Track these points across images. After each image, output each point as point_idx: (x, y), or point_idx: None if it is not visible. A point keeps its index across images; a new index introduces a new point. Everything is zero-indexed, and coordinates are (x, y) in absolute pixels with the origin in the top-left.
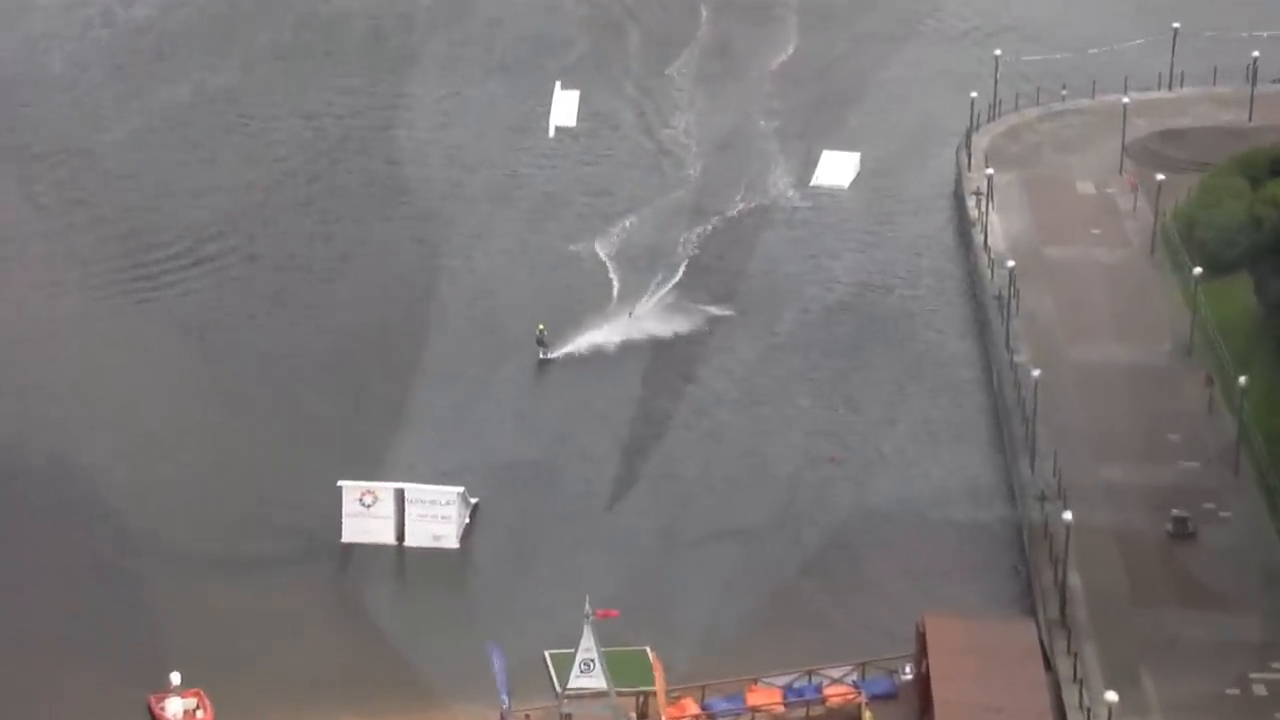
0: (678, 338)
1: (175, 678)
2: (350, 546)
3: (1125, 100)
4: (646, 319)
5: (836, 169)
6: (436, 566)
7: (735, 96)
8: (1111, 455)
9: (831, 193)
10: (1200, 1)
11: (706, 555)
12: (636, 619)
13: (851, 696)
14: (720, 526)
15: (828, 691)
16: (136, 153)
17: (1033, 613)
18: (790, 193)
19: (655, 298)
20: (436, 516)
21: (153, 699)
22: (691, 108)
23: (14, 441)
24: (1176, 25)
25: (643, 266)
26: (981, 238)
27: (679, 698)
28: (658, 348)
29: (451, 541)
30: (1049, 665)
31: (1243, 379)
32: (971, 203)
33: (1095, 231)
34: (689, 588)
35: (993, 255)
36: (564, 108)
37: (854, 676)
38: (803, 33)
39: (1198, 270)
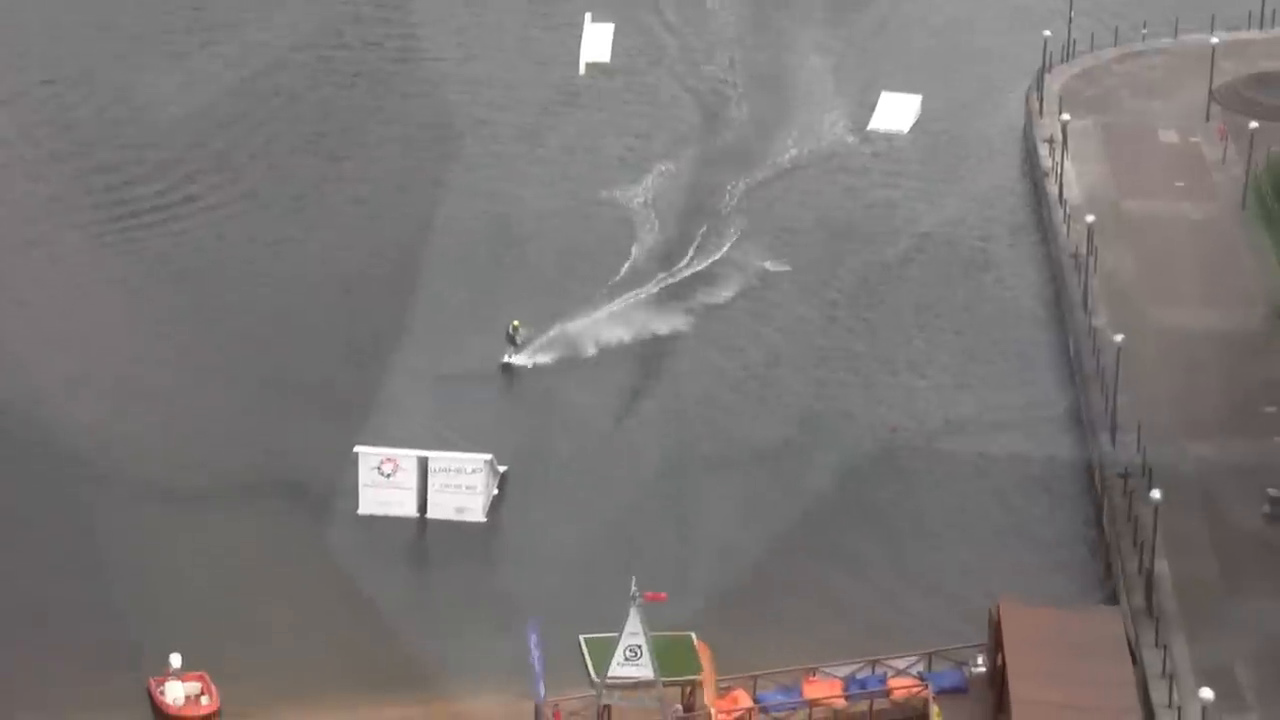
0: (725, 296)
1: (175, 660)
2: (368, 519)
3: (1213, 40)
4: (690, 276)
5: (896, 112)
6: (461, 542)
7: (784, 30)
8: (1201, 429)
9: (890, 138)
10: None
11: (758, 529)
12: (680, 601)
13: (917, 690)
14: (772, 497)
15: (891, 683)
16: (130, 75)
17: (1116, 602)
18: (847, 138)
19: (699, 252)
20: (461, 487)
21: (152, 683)
22: (737, 43)
23: None
24: None
25: (684, 217)
26: (1055, 189)
27: (729, 689)
28: (705, 308)
29: (478, 514)
30: (1135, 659)
31: None
32: (1044, 151)
33: (1180, 184)
34: (738, 565)
35: (1068, 209)
36: (596, 41)
37: (920, 667)
38: None
39: None
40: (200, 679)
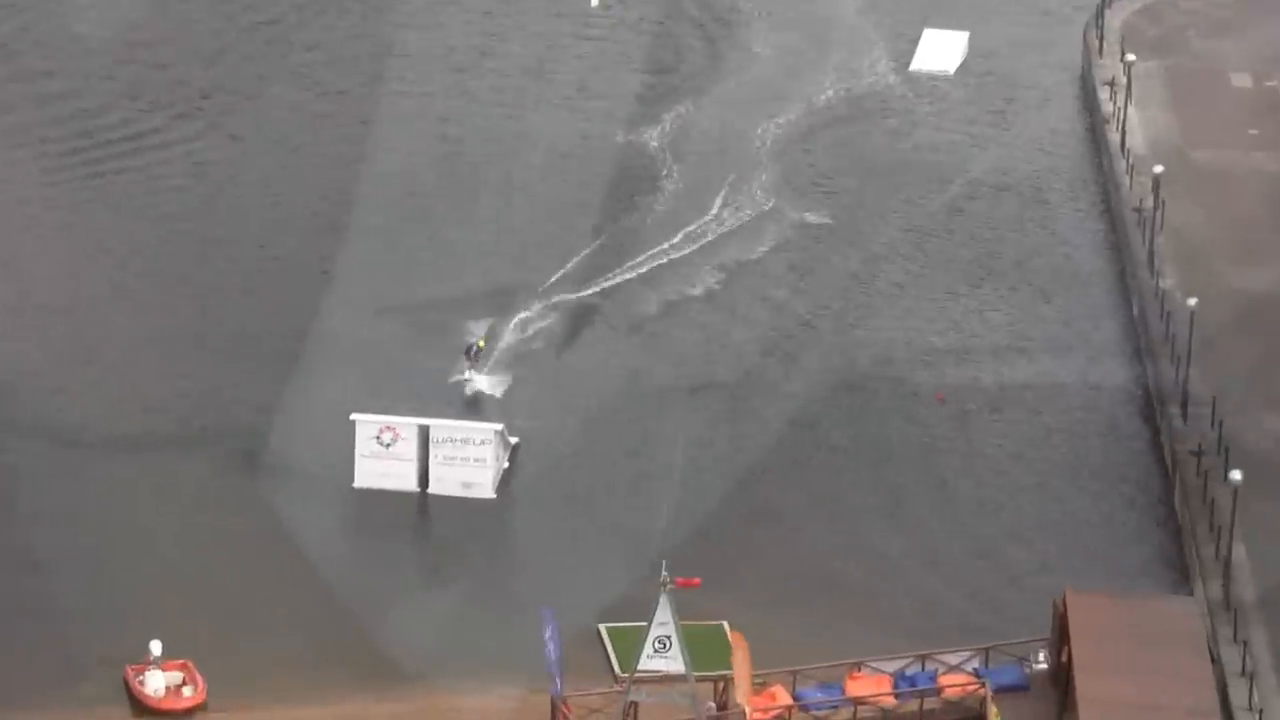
0: (760, 250)
1: (156, 647)
2: (364, 493)
3: None
4: (718, 230)
5: (941, 50)
6: (467, 520)
7: None
8: None
9: (935, 78)
10: None
11: (795, 511)
12: (712, 587)
13: (973, 687)
14: (807, 476)
15: (943, 680)
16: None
17: (1190, 592)
18: (889, 78)
19: (727, 203)
20: (469, 459)
21: (130, 672)
22: None
23: None
24: None
25: (710, 163)
26: (1117, 137)
27: (765, 684)
28: (737, 264)
29: (486, 490)
30: (1213, 656)
31: None
32: (1104, 95)
33: (1254, 132)
34: (774, 550)
35: (1131, 159)
36: None
37: (976, 663)
38: None
39: None
40: (183, 667)
